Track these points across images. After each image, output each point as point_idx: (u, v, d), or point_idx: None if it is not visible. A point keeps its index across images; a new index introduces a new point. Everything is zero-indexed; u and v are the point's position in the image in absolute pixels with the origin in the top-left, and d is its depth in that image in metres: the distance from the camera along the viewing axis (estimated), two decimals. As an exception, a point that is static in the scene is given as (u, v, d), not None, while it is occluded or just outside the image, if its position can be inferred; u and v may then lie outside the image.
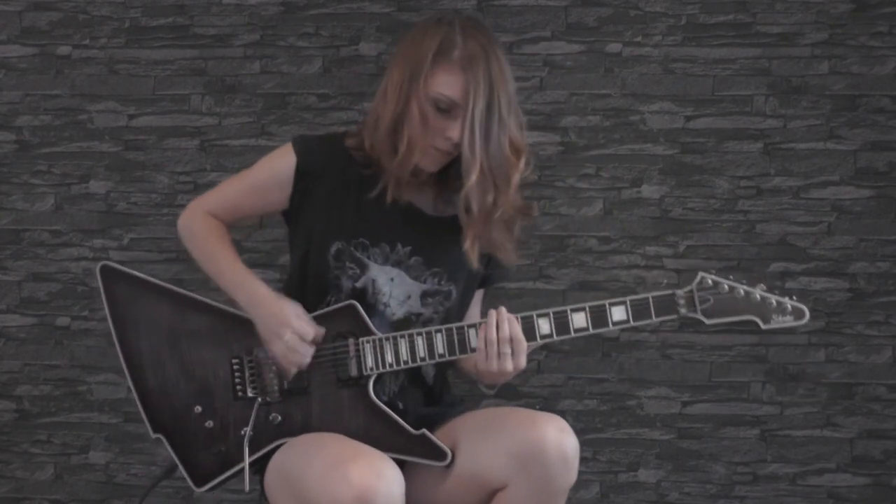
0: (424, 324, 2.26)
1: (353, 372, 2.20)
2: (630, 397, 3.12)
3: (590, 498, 3.14)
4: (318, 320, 2.22)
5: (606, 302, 2.16)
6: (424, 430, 2.17)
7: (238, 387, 2.26)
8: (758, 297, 2.14)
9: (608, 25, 3.07)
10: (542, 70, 3.08)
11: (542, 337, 2.16)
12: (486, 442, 2.13)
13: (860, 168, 3.06)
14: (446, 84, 2.13)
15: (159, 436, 2.29)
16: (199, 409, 2.27)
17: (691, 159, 3.08)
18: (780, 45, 3.05)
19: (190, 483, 2.29)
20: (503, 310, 2.14)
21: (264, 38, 3.12)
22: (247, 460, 2.22)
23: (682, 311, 2.16)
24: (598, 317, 2.15)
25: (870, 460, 3.09)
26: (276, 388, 2.24)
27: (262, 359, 2.24)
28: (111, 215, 3.17)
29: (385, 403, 2.21)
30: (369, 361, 2.19)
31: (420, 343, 2.18)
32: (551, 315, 2.16)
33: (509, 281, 2.91)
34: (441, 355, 2.18)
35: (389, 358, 2.19)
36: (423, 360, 2.18)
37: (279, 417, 2.23)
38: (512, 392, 3.04)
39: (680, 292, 2.16)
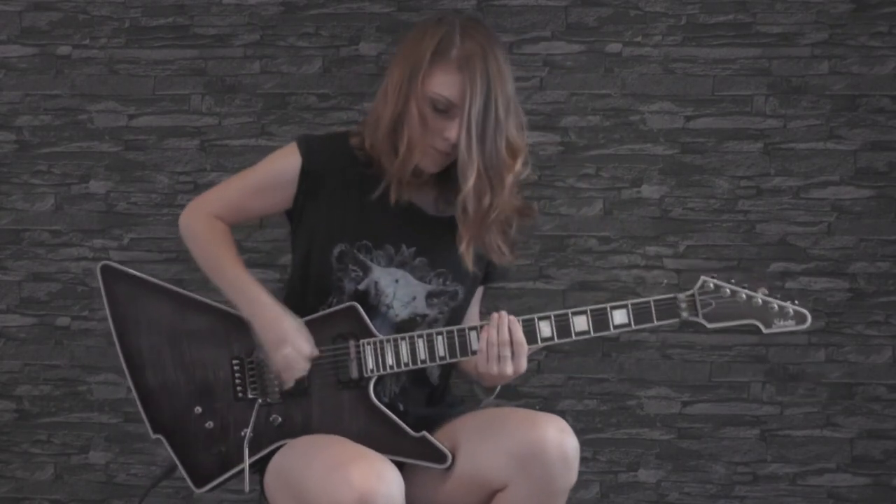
0: (430, 324, 2.25)
1: (354, 374, 2.20)
2: (630, 397, 3.12)
3: (590, 498, 3.14)
4: (319, 321, 2.22)
5: (608, 305, 2.15)
6: (425, 433, 2.17)
7: (238, 388, 2.26)
8: (759, 301, 2.14)
9: (608, 25, 3.07)
10: (542, 70, 3.08)
11: (544, 340, 2.16)
12: (486, 442, 2.13)
13: (860, 168, 3.06)
14: (443, 84, 2.13)
15: (159, 436, 2.29)
16: (199, 409, 2.27)
17: (691, 159, 3.08)
18: (780, 45, 3.05)
19: (190, 484, 2.29)
20: (504, 313, 2.14)
21: (264, 38, 3.12)
22: (247, 461, 2.22)
23: (684, 314, 2.15)
24: (600, 320, 2.15)
25: (870, 460, 3.09)
26: (276, 389, 2.23)
27: (263, 360, 2.24)
28: (111, 215, 3.17)
29: (386, 405, 2.21)
30: (370, 363, 2.19)
31: (421, 345, 2.18)
32: (552, 318, 2.15)
33: (509, 280, 2.91)
34: (442, 357, 2.18)
35: (390, 360, 2.19)
36: (423, 362, 2.18)
37: (279, 419, 2.23)
38: (512, 392, 3.04)
39: (681, 296, 2.16)
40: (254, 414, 2.23)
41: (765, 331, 2.14)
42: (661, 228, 3.10)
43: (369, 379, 2.20)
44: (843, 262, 3.07)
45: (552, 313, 2.16)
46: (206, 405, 2.27)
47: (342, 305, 2.21)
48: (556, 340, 2.16)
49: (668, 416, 3.12)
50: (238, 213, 2.32)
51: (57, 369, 3.19)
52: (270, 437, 2.23)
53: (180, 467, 2.28)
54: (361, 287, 2.23)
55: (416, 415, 2.25)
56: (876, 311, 3.07)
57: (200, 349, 2.27)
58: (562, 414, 2.96)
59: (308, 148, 2.26)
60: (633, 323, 2.15)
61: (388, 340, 2.19)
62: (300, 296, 2.27)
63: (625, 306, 2.15)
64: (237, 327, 2.25)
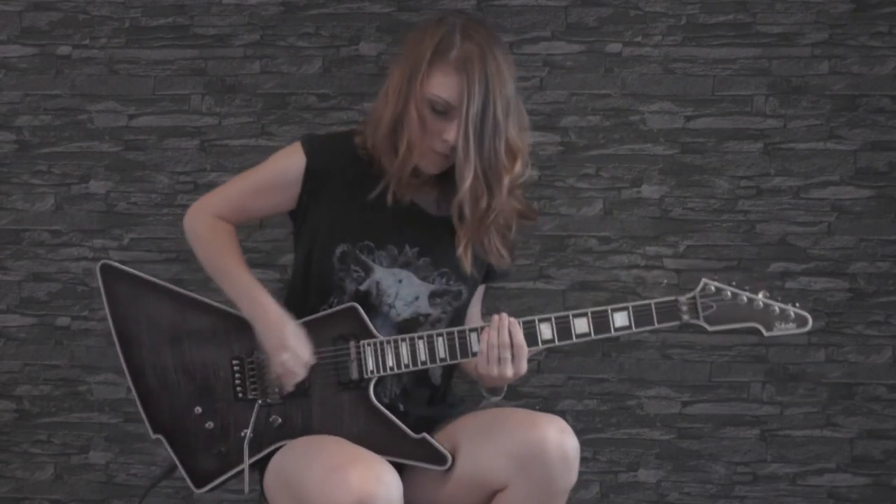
0: (433, 324, 2.25)
1: (354, 375, 2.20)
2: (630, 397, 3.12)
3: (590, 498, 3.14)
4: (320, 322, 2.21)
5: (609, 308, 2.15)
6: (425, 435, 2.16)
7: (238, 388, 2.25)
8: (761, 304, 2.14)
9: (608, 25, 3.07)
10: (542, 70, 3.08)
11: (544, 342, 2.16)
12: (486, 443, 2.13)
13: (860, 168, 3.06)
14: (441, 85, 2.12)
15: (159, 436, 2.29)
16: (199, 409, 2.26)
17: (691, 159, 3.08)
18: (780, 45, 3.05)
19: (189, 484, 2.28)
20: (505, 315, 2.14)
21: (264, 38, 3.12)
22: (246, 462, 2.21)
23: (685, 317, 2.15)
24: (601, 322, 2.15)
25: (870, 460, 3.09)
26: (276, 389, 2.23)
27: (263, 361, 2.24)
28: (111, 215, 3.17)
29: (386, 405, 2.20)
30: (370, 364, 2.19)
31: (421, 346, 2.18)
32: (553, 320, 2.15)
33: (509, 280, 2.91)
34: (442, 359, 2.17)
35: (390, 361, 2.19)
36: (423, 363, 2.18)
37: (279, 419, 2.23)
38: (512, 392, 3.02)
39: (683, 299, 2.15)
40: (254, 414, 2.23)
41: (766, 334, 2.14)
42: (661, 228, 3.10)
43: (369, 380, 2.19)
44: (843, 262, 3.07)
45: (553, 315, 2.16)
46: (206, 405, 2.26)
47: (343, 306, 2.21)
48: (557, 342, 2.16)
49: (668, 416, 3.12)
50: (242, 213, 2.32)
51: (57, 369, 3.19)
52: (270, 437, 2.23)
53: (180, 467, 2.28)
54: (363, 287, 2.22)
55: (416, 415, 2.25)
56: (876, 311, 3.07)
57: (201, 349, 2.27)
58: (562, 414, 2.96)
59: (312, 147, 2.26)
60: (633, 325, 2.14)
61: (388, 342, 2.19)
62: (301, 295, 2.27)
63: (626, 308, 2.15)
64: (237, 327, 2.25)
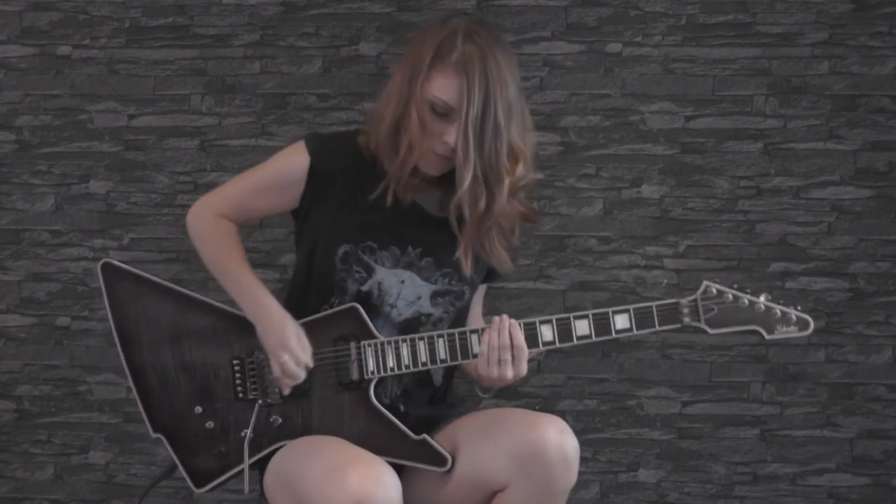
0: (435, 324, 2.25)
1: (355, 375, 2.20)
2: (630, 397, 3.12)
3: (590, 498, 3.14)
4: (321, 322, 2.21)
5: (610, 310, 2.14)
6: (425, 436, 2.16)
7: (238, 388, 2.25)
8: (762, 306, 2.13)
9: (608, 25, 3.07)
10: (542, 70, 3.08)
11: (545, 343, 2.15)
12: (486, 443, 2.13)
13: (860, 168, 3.06)
14: (441, 87, 2.11)
15: (159, 436, 2.29)
16: (199, 409, 2.26)
17: (691, 159, 3.08)
18: (780, 45, 3.05)
19: (189, 483, 2.28)
20: (506, 317, 2.14)
21: (264, 38, 3.12)
22: (246, 462, 2.21)
23: (686, 320, 2.15)
24: (602, 324, 2.14)
25: (870, 460, 3.09)
26: (276, 390, 2.23)
27: (263, 360, 2.24)
28: (111, 215, 3.17)
29: (386, 406, 2.20)
30: (370, 365, 2.19)
31: (422, 347, 2.17)
32: (554, 322, 2.15)
33: (509, 279, 2.91)
34: (443, 360, 2.17)
35: (391, 362, 2.18)
36: (424, 364, 2.18)
37: (280, 419, 2.23)
38: (512, 392, 3.04)
39: (684, 301, 2.14)
40: (254, 414, 2.23)
41: (767, 337, 2.13)
42: (661, 228, 3.10)
43: (370, 380, 2.19)
44: (843, 262, 3.07)
45: (554, 317, 2.15)
46: (206, 405, 2.26)
47: (343, 306, 2.21)
48: (558, 344, 2.15)
49: (668, 416, 3.12)
50: (245, 212, 2.31)
51: (57, 369, 3.19)
52: (270, 437, 2.23)
53: (180, 467, 2.28)
54: (365, 288, 2.22)
55: (416, 415, 2.25)
56: (876, 311, 3.07)
57: (201, 349, 2.27)
58: (562, 414, 2.97)
59: (316, 147, 2.25)
60: (635, 328, 2.14)
61: (388, 342, 2.18)
62: (302, 295, 2.27)
63: (627, 311, 2.14)
64: (238, 327, 2.25)
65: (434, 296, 2.26)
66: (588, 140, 3.09)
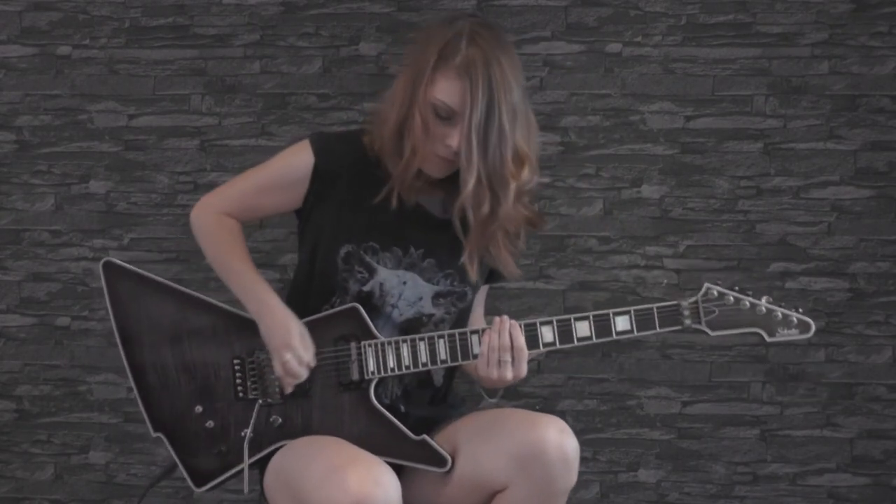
0: (436, 324, 2.25)
1: (355, 376, 2.20)
2: (630, 397, 3.12)
3: (590, 498, 3.14)
4: (321, 322, 2.21)
5: (611, 311, 2.14)
6: (425, 436, 2.16)
7: (239, 388, 2.25)
8: (763, 309, 2.13)
9: (608, 25, 3.07)
10: (542, 70, 3.08)
11: (545, 345, 2.15)
12: (486, 444, 2.13)
13: (860, 168, 3.06)
14: (444, 90, 2.11)
15: (160, 435, 2.29)
16: (199, 408, 2.26)
17: (691, 159, 3.08)
18: (780, 45, 3.05)
19: (189, 483, 2.28)
20: (506, 317, 2.13)
21: (264, 38, 3.12)
22: (246, 462, 2.21)
23: (687, 322, 2.14)
24: (602, 326, 2.14)
25: (870, 460, 3.09)
26: (276, 389, 2.23)
27: (264, 360, 2.24)
28: (111, 215, 3.17)
29: (387, 406, 2.20)
30: (371, 365, 2.19)
31: (422, 348, 2.17)
32: (555, 323, 2.15)
33: (510, 280, 2.92)
34: (443, 361, 2.17)
35: (391, 362, 2.18)
36: (424, 365, 2.17)
37: (280, 419, 2.22)
38: (512, 392, 3.04)
39: (685, 303, 2.14)
40: (254, 414, 2.23)
41: (768, 339, 2.13)
42: (661, 228, 3.10)
43: (370, 381, 2.19)
44: (843, 262, 3.07)
45: (554, 318, 2.15)
46: (206, 404, 2.26)
47: (344, 306, 2.20)
48: (559, 346, 2.15)
49: (668, 416, 3.12)
50: (248, 210, 2.31)
51: (57, 369, 3.19)
52: (270, 437, 2.22)
53: (180, 466, 2.28)
54: (366, 288, 2.22)
55: (416, 416, 2.25)
56: (876, 311, 3.07)
57: (202, 348, 2.26)
58: (562, 414, 2.97)
59: (320, 147, 2.24)
60: (635, 329, 2.14)
61: (389, 342, 2.18)
62: (303, 294, 2.26)
63: (627, 312, 2.14)
64: (239, 327, 2.25)
65: (436, 297, 2.26)
66: (588, 140, 3.09)
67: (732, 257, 3.09)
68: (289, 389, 2.21)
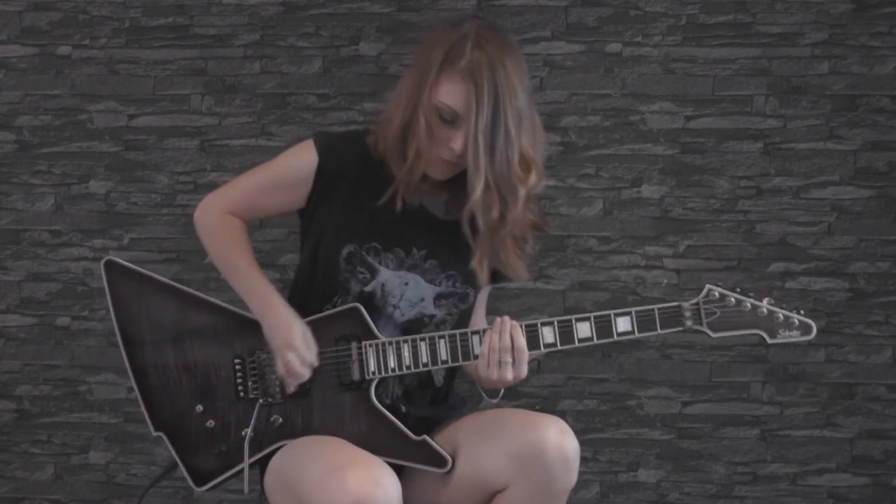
0: (437, 325, 2.25)
1: (356, 376, 2.20)
2: (630, 397, 3.12)
3: (590, 498, 3.14)
4: (322, 322, 2.21)
5: (612, 312, 2.14)
6: (425, 437, 2.16)
7: (240, 387, 2.25)
8: (765, 310, 2.13)
9: (608, 25, 3.07)
10: (542, 70, 3.08)
11: (546, 346, 2.15)
12: (486, 444, 2.13)
13: (860, 168, 3.06)
14: (448, 93, 2.10)
15: (160, 434, 2.29)
16: (200, 408, 2.26)
17: (691, 159, 3.08)
18: (780, 45, 3.05)
19: (190, 482, 2.28)
20: (507, 318, 2.13)
21: (264, 38, 3.12)
22: (247, 461, 2.21)
23: (688, 323, 2.14)
24: (603, 327, 2.14)
25: (870, 460, 3.09)
26: (277, 389, 2.23)
27: (265, 360, 2.24)
28: (111, 215, 3.17)
29: (387, 406, 2.20)
30: (371, 365, 2.19)
31: (423, 348, 2.17)
32: (556, 324, 2.14)
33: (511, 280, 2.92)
34: (444, 361, 2.17)
35: (392, 362, 2.18)
36: (425, 365, 2.18)
37: (280, 419, 2.23)
38: (512, 392, 3.03)
39: (686, 305, 2.14)
40: (255, 414, 2.23)
41: (769, 341, 2.13)
42: (661, 228, 3.10)
43: (371, 381, 2.19)
44: (843, 262, 3.07)
45: (555, 319, 2.15)
46: (207, 404, 2.26)
47: (345, 306, 2.21)
48: (559, 347, 2.15)
49: (668, 416, 3.12)
50: (252, 209, 2.30)
51: (57, 369, 3.19)
52: (271, 437, 2.22)
53: (181, 466, 2.28)
54: (368, 289, 2.22)
55: (417, 416, 2.25)
56: (876, 311, 3.07)
57: (203, 347, 2.27)
58: (562, 414, 2.97)
59: (325, 147, 2.24)
60: (636, 331, 2.14)
61: (390, 343, 2.18)
62: (305, 294, 2.26)
63: (628, 313, 2.14)
64: (240, 326, 2.25)
65: (437, 298, 2.26)
66: (588, 140, 3.09)
67: (732, 257, 3.09)
68: (291, 389, 2.21)
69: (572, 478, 2.10)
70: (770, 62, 3.06)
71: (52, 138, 3.16)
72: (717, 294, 2.14)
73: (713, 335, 2.14)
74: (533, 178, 2.15)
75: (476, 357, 2.15)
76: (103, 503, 3.21)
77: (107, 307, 2.30)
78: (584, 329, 2.15)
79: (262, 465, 2.24)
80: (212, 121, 3.14)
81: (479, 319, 2.38)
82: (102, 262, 2.29)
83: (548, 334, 2.15)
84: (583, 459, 2.21)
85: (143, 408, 2.29)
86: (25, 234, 3.18)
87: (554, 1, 3.07)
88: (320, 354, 2.20)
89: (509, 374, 2.12)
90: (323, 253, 2.23)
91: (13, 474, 3.22)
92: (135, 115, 3.14)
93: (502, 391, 2.23)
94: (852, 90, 3.05)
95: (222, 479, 2.27)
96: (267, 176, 2.29)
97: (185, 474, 2.28)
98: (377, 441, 2.16)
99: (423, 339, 2.17)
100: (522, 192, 2.13)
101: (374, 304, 2.22)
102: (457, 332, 2.17)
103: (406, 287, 2.24)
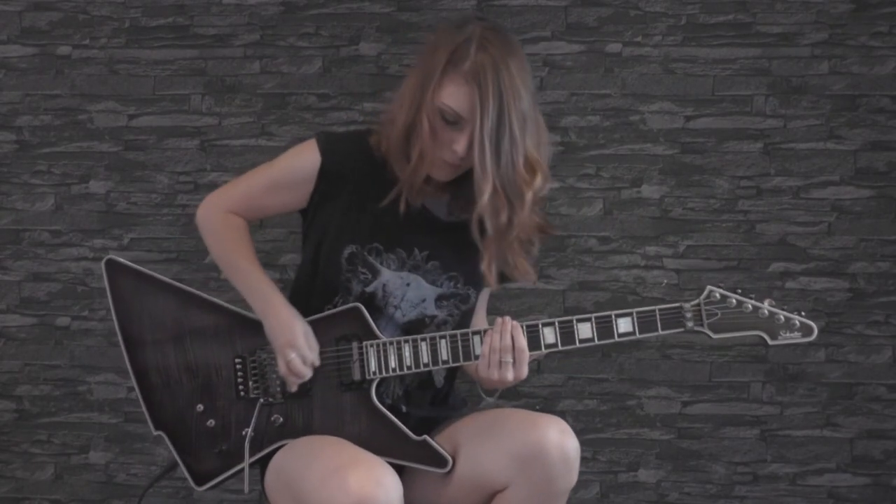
0: (439, 326, 2.24)
1: (356, 376, 2.19)
2: (630, 397, 3.12)
3: (590, 498, 3.14)
4: (323, 322, 2.21)
5: (613, 313, 2.14)
6: (426, 437, 2.16)
7: (240, 386, 2.25)
8: (766, 312, 2.12)
9: (608, 25, 3.07)
10: (542, 70, 3.08)
11: (547, 346, 2.14)
12: (486, 444, 2.13)
13: (860, 168, 3.06)
14: (451, 96, 2.09)
15: (160, 433, 2.28)
16: (200, 407, 2.26)
17: (691, 159, 3.08)
18: (780, 45, 3.05)
19: (190, 482, 2.28)
20: (508, 318, 2.13)
21: (264, 38, 3.12)
22: (247, 461, 2.21)
23: (689, 325, 2.14)
24: (604, 328, 2.13)
25: (870, 460, 3.10)
26: (278, 389, 2.23)
27: (265, 360, 2.24)
28: (111, 215, 3.17)
29: (388, 406, 2.20)
30: (372, 365, 2.19)
31: (424, 348, 2.17)
32: (556, 325, 2.14)
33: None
34: (445, 361, 2.17)
35: (393, 362, 2.18)
36: (426, 365, 2.17)
37: (281, 419, 2.22)
38: (512, 392, 3.03)
39: (687, 306, 2.14)
40: (255, 413, 2.23)
41: (770, 342, 2.12)
42: (661, 228, 3.10)
43: (371, 381, 2.19)
44: (843, 262, 3.07)
45: (556, 320, 2.15)
46: (207, 403, 2.26)
47: (346, 306, 2.20)
48: (560, 347, 2.15)
49: (668, 416, 3.12)
50: (254, 209, 2.30)
51: (57, 369, 3.19)
52: (271, 436, 2.22)
53: (181, 465, 2.28)
54: (369, 289, 2.22)
55: (417, 416, 2.25)
56: (876, 311, 3.07)
57: (203, 347, 2.26)
58: (562, 414, 2.97)
59: (327, 147, 2.24)
60: (637, 331, 2.13)
61: (391, 343, 2.18)
62: (306, 293, 2.26)
63: (629, 314, 2.14)
64: (241, 325, 2.25)
65: (439, 299, 2.25)
66: (588, 140, 3.09)
67: (732, 257, 3.09)
68: (293, 388, 2.20)
69: (573, 478, 2.10)
70: (770, 62, 3.06)
71: (52, 138, 3.16)
72: (718, 295, 2.14)
73: (714, 336, 2.14)
74: (538, 180, 2.15)
75: (477, 357, 2.15)
76: (103, 503, 3.21)
77: (107, 307, 2.30)
78: (585, 330, 2.14)
79: (262, 464, 2.24)
80: (212, 121, 3.14)
81: (479, 320, 2.38)
82: (103, 261, 2.29)
83: (549, 335, 2.15)
84: (583, 459, 2.21)
85: (143, 407, 2.28)
86: (25, 234, 3.18)
87: (554, 1, 3.08)
88: (321, 354, 2.20)
89: (510, 375, 2.12)
90: (325, 253, 2.23)
91: (13, 474, 3.22)
92: (135, 115, 3.15)
93: (499, 390, 2.23)
94: (852, 90, 3.05)
95: (222, 479, 2.27)
96: (269, 176, 2.29)
97: (186, 474, 2.28)
98: (377, 441, 2.15)
99: (423, 340, 2.17)
100: (528, 194, 2.13)
101: (376, 304, 2.22)
102: (458, 332, 2.17)
103: (407, 288, 2.23)
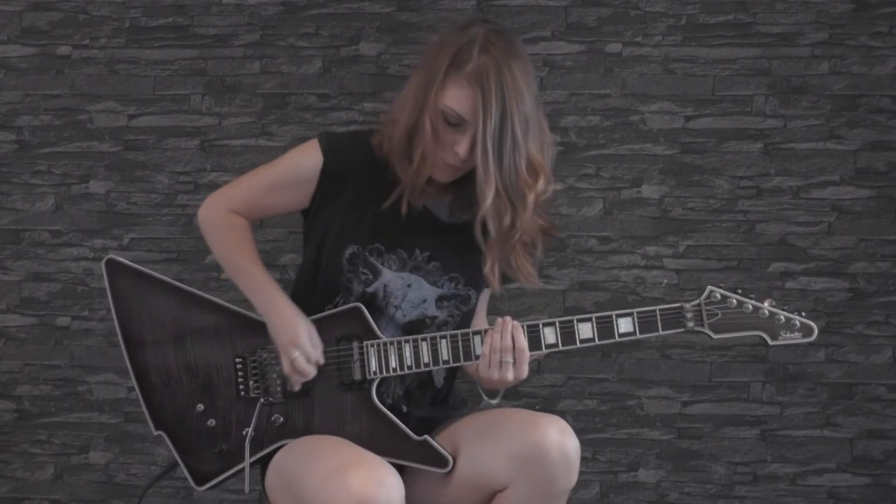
0: (439, 327, 2.24)
1: (357, 375, 2.19)
2: (630, 397, 3.12)
3: (590, 498, 3.14)
4: (324, 321, 2.21)
5: (613, 313, 2.14)
6: (426, 437, 2.16)
7: (241, 386, 2.25)
8: (766, 312, 2.12)
9: (608, 25, 3.07)
10: (542, 70, 3.08)
11: (548, 346, 2.14)
12: (487, 444, 2.13)
13: (860, 168, 3.06)
14: (454, 98, 2.09)
15: (161, 433, 2.28)
16: (201, 407, 2.26)
17: (691, 159, 3.08)
18: (780, 45, 3.05)
19: (190, 481, 2.28)
20: (509, 318, 2.13)
21: (264, 38, 3.12)
22: (247, 460, 2.21)
23: (690, 325, 2.14)
24: (605, 328, 2.13)
25: (870, 460, 3.10)
26: (278, 388, 2.23)
27: (266, 359, 2.24)
28: (111, 215, 3.17)
29: (389, 406, 2.20)
30: (373, 365, 2.19)
31: (424, 348, 2.17)
32: (557, 325, 2.14)
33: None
34: (445, 361, 2.17)
35: (393, 362, 2.18)
36: (426, 365, 2.17)
37: (281, 418, 2.22)
38: (512, 392, 3.03)
39: (688, 306, 2.14)
40: (255, 413, 2.23)
41: (770, 343, 2.12)
42: (661, 228, 3.10)
43: (372, 381, 2.19)
44: (843, 262, 3.07)
45: (557, 320, 2.15)
46: (208, 403, 2.26)
47: (347, 306, 2.20)
48: (561, 347, 2.15)
49: (668, 416, 3.12)
50: (256, 209, 2.29)
51: (57, 369, 3.19)
52: (272, 436, 2.22)
53: (181, 465, 2.28)
54: (370, 290, 2.21)
55: (418, 416, 2.25)
56: (876, 311, 3.07)
57: (204, 346, 2.26)
58: (562, 414, 2.96)
59: (330, 147, 2.23)
60: (638, 332, 2.13)
61: (391, 343, 2.18)
62: (306, 293, 2.26)
63: (630, 314, 2.14)
64: (241, 325, 2.25)
65: (440, 300, 2.25)
66: (588, 140, 3.09)
67: (732, 257, 3.09)
68: (297, 387, 2.20)
69: (573, 478, 2.10)
70: (770, 62, 3.06)
71: (52, 138, 3.16)
72: (718, 295, 2.14)
73: (714, 336, 2.14)
74: (541, 183, 2.14)
75: (477, 357, 2.14)
76: (103, 503, 3.21)
77: (107, 307, 2.30)
78: (585, 330, 2.14)
79: (262, 464, 2.24)
80: (212, 121, 3.14)
81: (480, 320, 2.38)
82: (104, 260, 2.29)
83: (549, 335, 2.15)
84: (583, 459, 2.21)
85: (143, 407, 2.28)
86: (25, 234, 3.18)
87: (554, 1, 3.08)
88: (323, 354, 2.20)
89: (510, 375, 2.12)
90: (326, 253, 2.23)
91: (13, 474, 3.22)
92: (135, 115, 3.15)
93: (501, 392, 2.23)
94: (852, 90, 3.05)
95: (223, 479, 2.27)
96: (271, 175, 2.29)
97: (186, 473, 2.27)
98: (378, 441, 2.15)
99: (424, 340, 2.17)
100: (531, 197, 2.13)
101: (376, 304, 2.22)
102: (458, 332, 2.17)
103: (408, 288, 2.23)
